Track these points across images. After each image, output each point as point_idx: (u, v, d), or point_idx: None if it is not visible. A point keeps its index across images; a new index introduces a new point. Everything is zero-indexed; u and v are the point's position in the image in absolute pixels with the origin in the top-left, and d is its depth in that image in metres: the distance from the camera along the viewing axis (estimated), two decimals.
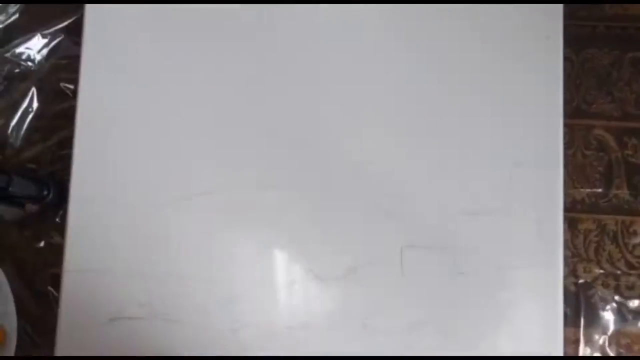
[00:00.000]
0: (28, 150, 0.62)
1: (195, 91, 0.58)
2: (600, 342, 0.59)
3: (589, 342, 0.59)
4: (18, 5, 0.62)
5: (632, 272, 0.60)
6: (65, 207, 0.57)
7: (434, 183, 0.57)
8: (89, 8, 0.58)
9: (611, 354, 0.59)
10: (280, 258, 0.57)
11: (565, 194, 0.58)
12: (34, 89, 0.62)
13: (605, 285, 0.60)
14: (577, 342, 0.59)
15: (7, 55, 0.62)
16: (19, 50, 0.62)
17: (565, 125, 0.58)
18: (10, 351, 0.57)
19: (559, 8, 0.59)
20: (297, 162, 0.57)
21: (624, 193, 0.61)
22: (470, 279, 0.56)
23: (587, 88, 0.61)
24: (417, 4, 0.59)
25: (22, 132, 0.62)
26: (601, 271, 0.60)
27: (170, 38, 0.59)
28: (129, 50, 0.58)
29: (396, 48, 0.59)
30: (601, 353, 0.59)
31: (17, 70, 0.62)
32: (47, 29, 0.62)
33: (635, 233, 0.60)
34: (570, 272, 0.60)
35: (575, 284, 0.60)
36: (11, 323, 0.57)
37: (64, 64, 0.62)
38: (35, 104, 0.62)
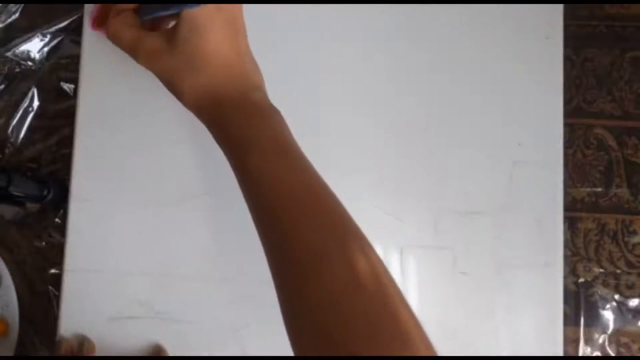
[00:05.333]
0: (28, 150, 0.62)
1: None
2: (600, 341, 0.59)
3: (589, 341, 0.59)
4: (18, 5, 0.62)
5: (632, 271, 0.60)
6: (65, 207, 0.58)
7: (434, 183, 0.57)
8: (88, 8, 0.58)
9: (611, 353, 0.59)
10: None
11: (565, 193, 0.58)
12: (34, 89, 0.62)
13: (605, 285, 0.60)
14: (577, 341, 0.59)
15: (8, 54, 0.62)
16: (19, 49, 0.62)
17: (565, 124, 0.58)
18: (12, 342, 0.57)
19: (559, 8, 0.59)
20: None
21: (624, 192, 0.61)
22: (470, 279, 0.56)
23: (587, 88, 0.61)
24: (416, 4, 0.59)
25: (23, 131, 0.62)
26: (601, 270, 0.60)
27: None
28: None
29: (395, 48, 0.59)
30: (601, 352, 0.59)
31: (17, 70, 0.62)
32: (47, 28, 0.62)
33: (635, 232, 0.60)
34: (570, 271, 0.60)
35: (575, 283, 0.60)
36: (13, 314, 0.58)
37: (64, 64, 0.62)
38: (35, 104, 0.62)
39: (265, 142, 0.44)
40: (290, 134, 0.46)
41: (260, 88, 0.48)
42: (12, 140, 0.62)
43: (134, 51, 0.50)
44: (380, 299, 0.39)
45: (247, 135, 0.45)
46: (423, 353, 0.37)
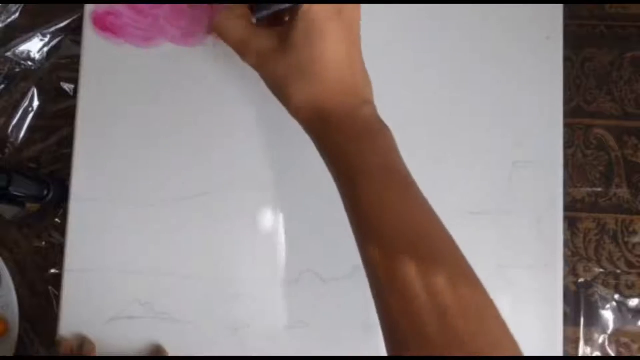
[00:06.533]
0: (28, 150, 0.62)
1: (196, 91, 0.58)
2: (600, 341, 0.59)
3: (589, 341, 0.59)
4: (18, 5, 0.62)
5: (632, 271, 0.60)
6: (65, 207, 0.58)
7: (434, 183, 0.57)
8: (88, 8, 0.58)
9: (611, 352, 0.59)
10: (280, 258, 0.57)
11: (565, 193, 0.58)
12: (34, 89, 0.62)
13: (605, 284, 0.60)
14: (577, 341, 0.59)
15: (8, 54, 0.62)
16: (19, 49, 0.62)
17: (565, 124, 0.58)
18: (12, 342, 0.57)
19: (559, 8, 0.59)
20: (298, 162, 0.57)
21: (624, 192, 0.61)
22: None
23: (587, 88, 0.61)
24: (416, 4, 0.59)
25: (23, 131, 0.62)
26: (601, 270, 0.60)
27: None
28: (129, 49, 0.58)
29: (395, 48, 0.59)
30: (601, 352, 0.59)
31: (17, 70, 0.62)
32: (47, 28, 0.62)
33: (635, 232, 0.60)
34: (570, 271, 0.60)
35: (575, 283, 0.60)
36: (13, 314, 0.58)
37: (64, 64, 0.62)
38: (35, 104, 0.62)
39: (374, 168, 0.42)
40: (398, 154, 0.44)
41: (370, 102, 0.46)
42: (12, 140, 0.62)
43: (242, 49, 0.47)
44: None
45: (355, 157, 0.42)
46: None
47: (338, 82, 0.44)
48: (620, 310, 0.60)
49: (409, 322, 0.38)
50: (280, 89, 0.45)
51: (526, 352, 0.56)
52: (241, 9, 0.47)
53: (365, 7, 0.59)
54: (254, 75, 0.58)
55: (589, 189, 0.61)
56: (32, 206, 0.59)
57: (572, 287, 0.60)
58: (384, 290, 0.40)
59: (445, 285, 0.38)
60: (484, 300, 0.40)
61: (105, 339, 0.56)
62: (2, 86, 0.62)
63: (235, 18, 0.47)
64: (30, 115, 0.62)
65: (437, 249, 0.41)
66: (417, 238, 0.41)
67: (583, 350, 0.59)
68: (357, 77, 0.46)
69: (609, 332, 0.59)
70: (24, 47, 0.62)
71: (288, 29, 0.44)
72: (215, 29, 0.48)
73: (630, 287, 0.60)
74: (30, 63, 0.62)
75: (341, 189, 0.44)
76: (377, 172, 0.42)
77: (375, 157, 0.43)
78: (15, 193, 0.54)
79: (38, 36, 0.62)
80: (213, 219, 0.57)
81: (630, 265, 0.60)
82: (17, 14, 0.62)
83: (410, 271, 0.39)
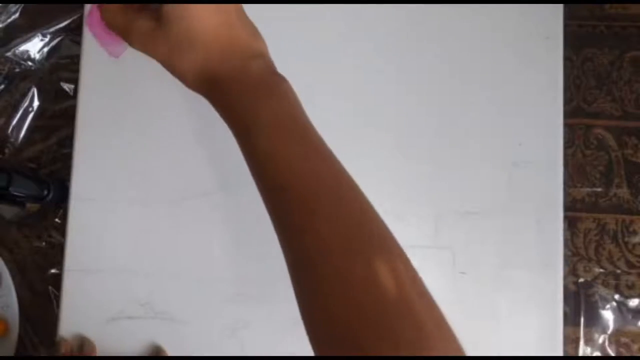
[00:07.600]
0: (28, 150, 0.62)
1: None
2: (600, 341, 0.59)
3: (589, 341, 0.59)
4: (18, 5, 0.62)
5: (632, 271, 0.60)
6: (65, 207, 0.58)
7: (434, 183, 0.57)
8: (88, 8, 0.58)
9: (611, 353, 0.59)
10: (280, 258, 0.57)
11: (565, 193, 0.58)
12: (34, 89, 0.62)
13: (605, 284, 0.60)
14: (577, 341, 0.59)
15: (8, 54, 0.62)
16: (19, 49, 0.62)
17: (565, 124, 0.58)
18: (12, 343, 0.57)
19: (559, 8, 0.59)
20: None
21: (624, 192, 0.60)
22: (470, 279, 0.56)
23: (587, 88, 0.61)
24: (416, 4, 0.59)
25: (23, 131, 0.62)
26: (601, 270, 0.60)
27: None
28: (128, 49, 0.58)
29: (395, 48, 0.59)
30: (601, 352, 0.59)
31: (17, 70, 0.62)
32: (47, 28, 0.62)
33: (635, 232, 0.60)
34: (570, 271, 0.60)
35: (575, 283, 0.60)
36: (13, 314, 0.58)
37: (64, 64, 0.62)
38: (35, 104, 0.62)
39: (268, 119, 0.42)
40: (297, 106, 0.44)
41: (261, 55, 0.46)
42: (12, 140, 0.62)
43: (126, 35, 0.47)
44: (403, 306, 0.38)
45: (248, 110, 0.43)
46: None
47: (220, 43, 0.44)
48: (620, 310, 0.60)
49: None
50: (169, 64, 0.46)
51: (526, 352, 0.56)
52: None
53: (366, 8, 0.59)
54: None
55: (589, 189, 0.61)
56: (32, 206, 0.59)
57: (572, 287, 0.60)
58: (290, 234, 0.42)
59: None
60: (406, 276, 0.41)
61: (105, 339, 0.56)
62: (2, 86, 0.62)
63: (118, 8, 0.48)
64: (30, 115, 0.62)
65: (338, 198, 0.42)
66: (316, 187, 0.41)
67: (583, 350, 0.59)
68: (240, 34, 0.45)
69: (609, 332, 0.59)
70: (24, 47, 0.62)
71: (161, 7, 0.45)
72: (104, 23, 0.49)
73: (630, 287, 0.60)
74: (30, 63, 0.62)
75: (239, 143, 0.44)
76: (271, 122, 0.42)
77: (269, 108, 0.43)
78: (15, 193, 0.54)
79: (38, 36, 0.62)
80: (213, 219, 0.57)
81: (630, 265, 0.60)
82: (17, 14, 0.62)
83: (320, 232, 0.40)
